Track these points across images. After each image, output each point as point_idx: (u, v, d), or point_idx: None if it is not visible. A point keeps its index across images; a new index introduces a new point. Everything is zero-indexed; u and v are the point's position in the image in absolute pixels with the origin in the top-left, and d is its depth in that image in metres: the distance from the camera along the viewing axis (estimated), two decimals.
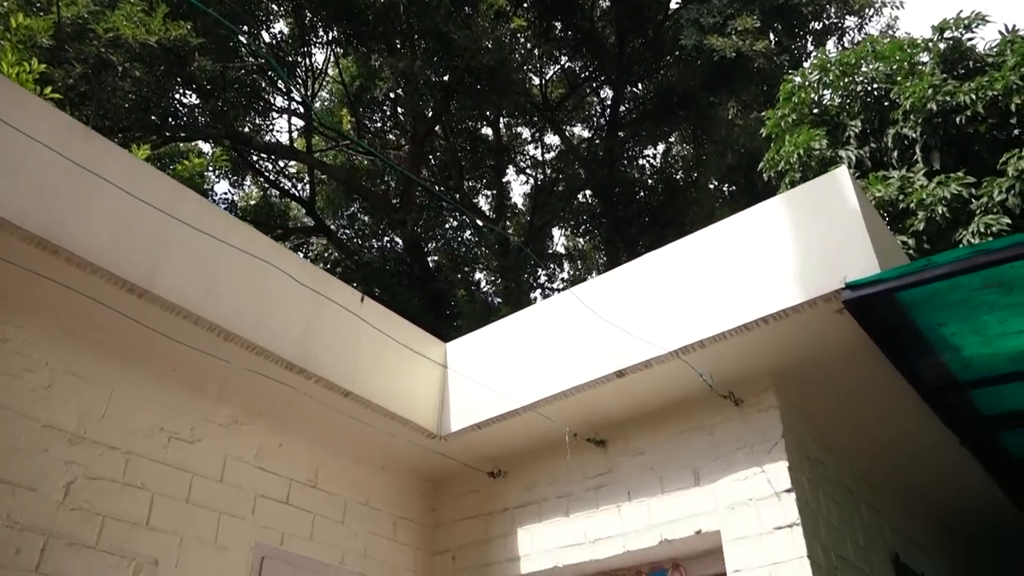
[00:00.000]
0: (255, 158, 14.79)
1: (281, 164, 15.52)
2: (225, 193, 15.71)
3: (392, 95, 14.37)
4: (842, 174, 3.47)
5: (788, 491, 3.39)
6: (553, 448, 4.21)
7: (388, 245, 16.26)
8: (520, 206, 18.58)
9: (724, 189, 15.66)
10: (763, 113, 8.27)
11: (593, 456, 4.09)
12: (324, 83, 15.23)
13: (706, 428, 3.79)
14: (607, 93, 16.55)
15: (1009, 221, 5.36)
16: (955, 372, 3.52)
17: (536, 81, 16.10)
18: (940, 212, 5.57)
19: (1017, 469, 4.35)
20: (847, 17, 13.43)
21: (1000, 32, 6.40)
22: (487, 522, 4.35)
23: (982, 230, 5.28)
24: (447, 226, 17.01)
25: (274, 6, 12.61)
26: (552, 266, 17.61)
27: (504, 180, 17.30)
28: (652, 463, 3.88)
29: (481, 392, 4.13)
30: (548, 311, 4.21)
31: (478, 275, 17.98)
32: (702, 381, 3.64)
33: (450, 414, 4.23)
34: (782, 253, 3.41)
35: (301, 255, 14.51)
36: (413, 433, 4.16)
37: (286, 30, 13.38)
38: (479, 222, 15.81)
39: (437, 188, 15.27)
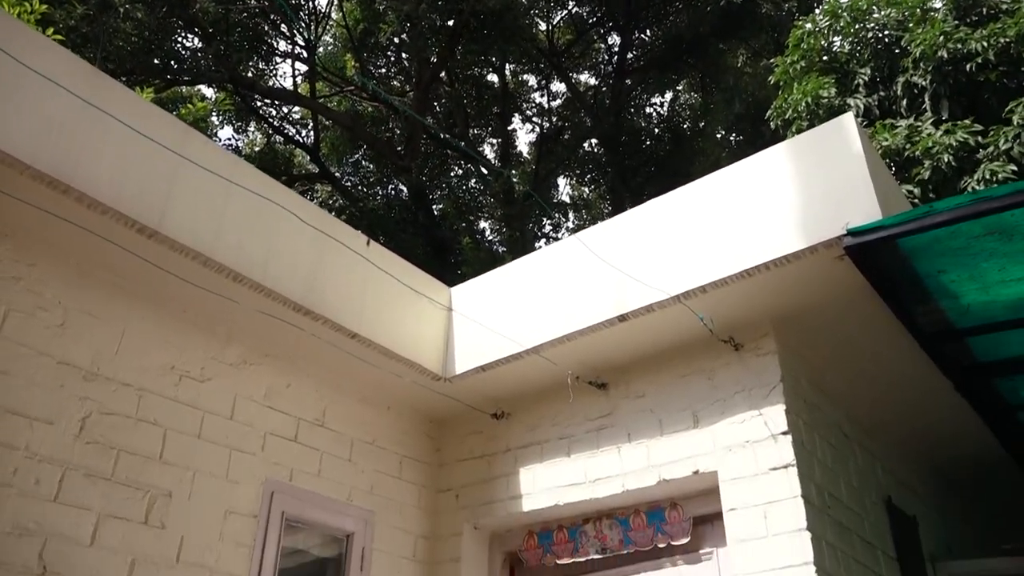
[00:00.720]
0: (259, 104, 14.69)
1: (285, 110, 15.42)
2: (229, 139, 15.65)
3: (396, 40, 14.19)
4: (848, 121, 3.47)
5: (784, 433, 3.47)
6: (555, 391, 4.30)
7: (393, 193, 16.24)
8: (525, 155, 18.47)
9: (731, 139, 15.55)
10: (772, 60, 8.18)
11: (594, 399, 4.18)
12: (327, 27, 15.02)
13: (706, 372, 3.86)
14: (614, 39, 16.32)
15: (1015, 168, 5.36)
16: (953, 319, 3.57)
17: (543, 27, 15.87)
18: (946, 160, 5.57)
19: (1011, 416, 4.43)
20: None
21: None
22: (490, 462, 4.46)
23: (987, 178, 5.28)
24: (452, 174, 16.95)
25: None
26: (557, 215, 17.59)
27: (509, 128, 17.17)
28: (652, 406, 3.96)
29: (485, 335, 4.20)
30: (552, 256, 4.26)
31: (483, 224, 17.99)
32: (703, 326, 3.70)
33: (455, 357, 4.30)
34: (785, 200, 3.43)
35: None
36: (418, 375, 4.25)
37: None
38: (484, 169, 15.74)
39: (442, 136, 15.17)
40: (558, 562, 4.19)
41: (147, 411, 3.40)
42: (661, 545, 3.88)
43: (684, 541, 3.80)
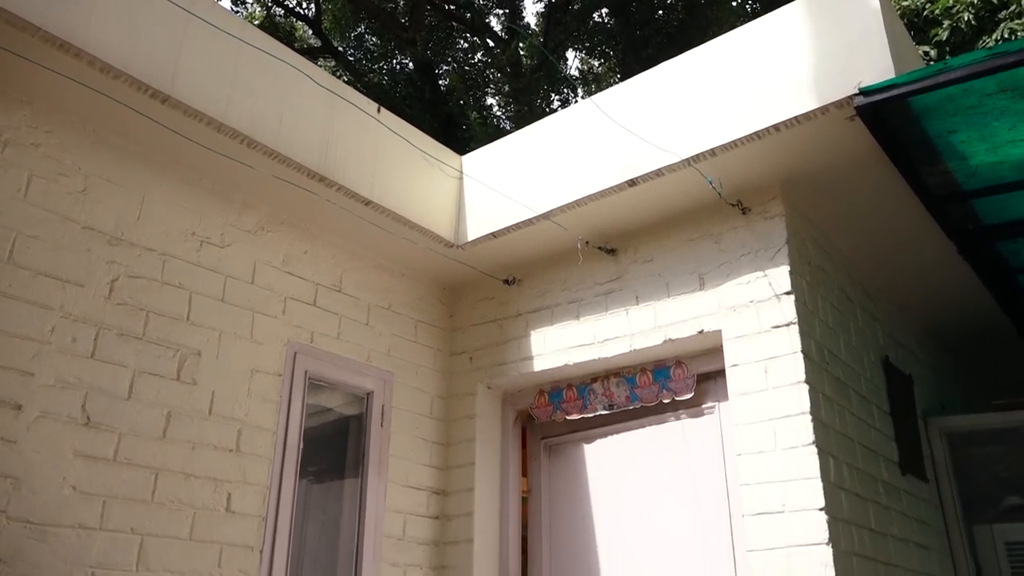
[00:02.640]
0: None
1: None
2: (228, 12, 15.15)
3: None
4: None
5: (788, 293, 3.58)
6: (565, 257, 4.40)
7: (398, 67, 15.88)
8: (533, 26, 17.89)
9: (747, 6, 14.99)
10: None
11: (603, 264, 4.28)
12: None
13: (713, 236, 3.93)
14: None
15: None
16: (960, 181, 3.61)
17: None
18: (966, 19, 5.41)
19: (1011, 279, 4.53)
20: None
21: None
22: (502, 326, 4.62)
23: (1006, 36, 5.15)
24: (458, 47, 16.51)
25: None
26: (566, 91, 17.23)
27: None
28: (660, 270, 4.07)
29: (497, 202, 4.26)
30: (564, 122, 4.26)
31: (490, 100, 17.67)
32: (711, 190, 3.74)
33: (466, 224, 4.38)
34: (798, 60, 3.40)
35: None
36: (431, 242, 4.34)
37: None
38: (490, 42, 15.30)
39: (447, 6, 14.66)
40: (567, 418, 4.42)
41: (171, 275, 3.53)
42: (666, 401, 4.08)
43: (688, 396, 3.99)
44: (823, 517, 3.19)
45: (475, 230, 4.34)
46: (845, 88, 3.19)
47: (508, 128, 14.93)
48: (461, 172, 4.55)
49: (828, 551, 3.13)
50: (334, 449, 4.22)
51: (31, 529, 2.85)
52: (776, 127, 3.37)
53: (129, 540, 3.10)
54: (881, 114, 3.21)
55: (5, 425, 2.87)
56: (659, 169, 3.69)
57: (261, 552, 3.52)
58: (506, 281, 4.64)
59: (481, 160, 4.52)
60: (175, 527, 3.25)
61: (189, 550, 3.27)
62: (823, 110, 3.26)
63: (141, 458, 3.21)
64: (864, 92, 3.12)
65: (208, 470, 3.42)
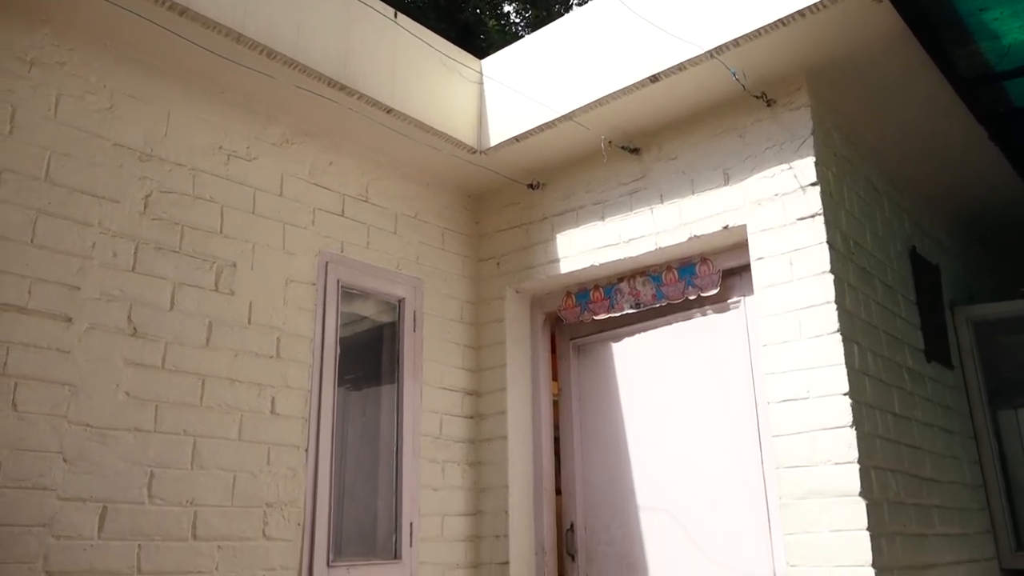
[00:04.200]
0: None
1: None
2: None
3: None
4: None
5: (813, 184, 3.57)
6: (589, 159, 4.40)
7: None
8: None
9: None
10: None
11: (627, 164, 4.28)
12: None
13: (737, 130, 3.90)
14: None
15: None
16: (992, 62, 3.52)
17: None
18: None
19: None
20: None
21: None
22: (528, 231, 4.66)
23: None
24: None
25: None
26: None
27: None
28: (684, 167, 4.06)
29: (518, 105, 4.24)
30: (584, 18, 4.18)
31: (507, 8, 17.17)
32: (735, 83, 3.69)
33: (489, 129, 4.38)
34: None
35: None
36: (454, 148, 4.36)
37: None
38: None
39: None
40: (595, 318, 4.51)
41: (202, 189, 3.60)
42: (691, 297, 4.14)
43: (713, 292, 4.05)
44: (847, 402, 3.27)
45: (498, 135, 4.34)
46: None
47: (527, 35, 14.56)
48: (482, 76, 4.52)
49: (852, 433, 3.23)
50: (371, 357, 4.36)
51: (91, 432, 3.03)
52: (801, 12, 3.29)
53: (183, 441, 3.28)
54: None
55: (58, 336, 3.01)
56: (682, 63, 3.64)
57: (306, 451, 3.71)
58: (530, 186, 4.66)
59: (501, 62, 4.48)
60: (224, 429, 3.43)
61: (239, 449, 3.45)
62: None
63: (187, 365, 3.36)
64: None
65: (251, 375, 3.57)
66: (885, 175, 4.37)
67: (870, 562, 3.07)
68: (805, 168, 3.61)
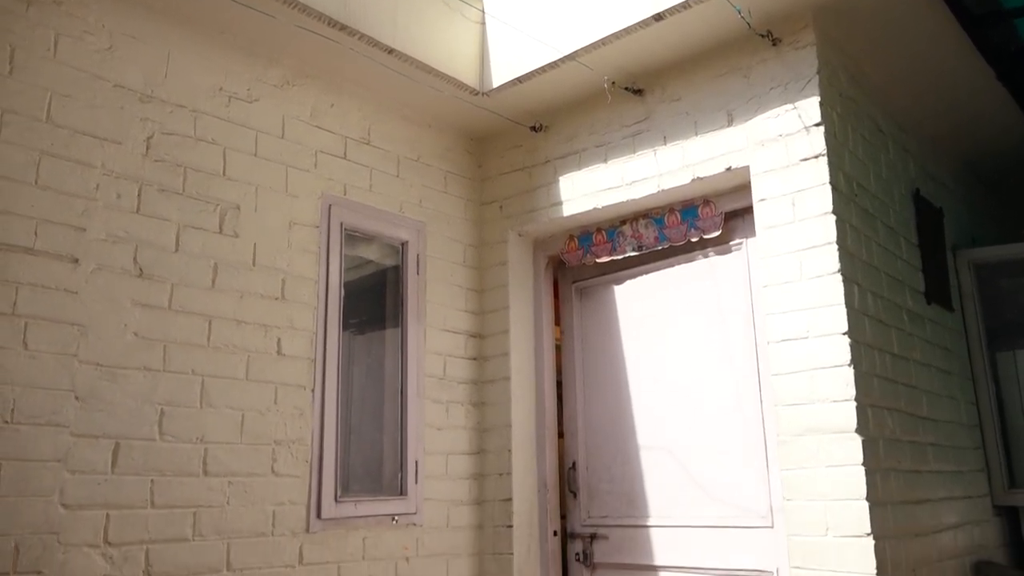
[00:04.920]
0: None
1: None
2: None
3: None
4: None
5: (817, 125, 3.55)
6: (592, 101, 4.37)
7: None
8: None
9: None
10: None
11: (630, 105, 4.24)
12: None
13: (742, 70, 3.86)
14: None
15: None
16: None
17: None
18: None
19: None
20: None
21: None
22: (530, 173, 4.65)
23: None
24: None
25: None
26: None
27: None
28: (688, 108, 4.03)
29: (521, 46, 4.20)
30: None
31: None
32: (740, 21, 3.64)
33: (491, 70, 4.34)
34: None
35: None
36: (456, 90, 4.32)
37: None
38: None
39: None
40: (597, 261, 4.53)
41: (204, 131, 3.59)
42: (694, 240, 4.15)
43: (716, 234, 4.06)
44: (846, 341, 3.31)
45: (500, 76, 4.30)
46: None
47: None
48: (484, 15, 4.46)
49: (850, 372, 3.27)
50: (375, 300, 4.40)
51: (102, 371, 3.09)
52: None
53: (191, 380, 3.34)
54: None
55: (66, 277, 3.05)
56: (687, 0, 3.58)
57: (312, 391, 3.77)
58: (533, 128, 4.63)
59: (504, 1, 4.41)
60: (232, 368, 3.48)
61: (247, 389, 3.51)
62: None
63: (194, 306, 3.40)
64: None
65: (257, 317, 3.62)
66: (890, 116, 4.34)
67: (864, 496, 3.15)
68: (810, 108, 3.59)
